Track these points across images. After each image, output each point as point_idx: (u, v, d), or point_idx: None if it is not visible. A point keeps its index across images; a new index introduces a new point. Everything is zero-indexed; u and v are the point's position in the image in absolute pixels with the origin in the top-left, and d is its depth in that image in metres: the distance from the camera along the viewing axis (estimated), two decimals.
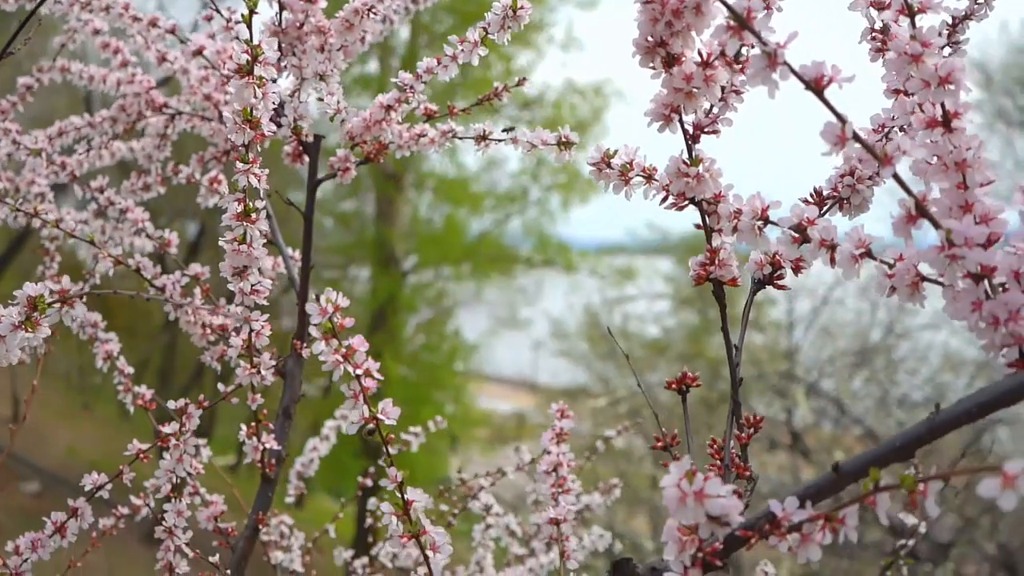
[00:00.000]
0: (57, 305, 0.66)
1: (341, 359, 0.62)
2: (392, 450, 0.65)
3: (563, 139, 0.82)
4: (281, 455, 0.99)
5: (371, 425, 0.63)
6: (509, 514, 1.40)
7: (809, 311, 7.65)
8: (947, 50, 0.72)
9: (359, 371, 0.62)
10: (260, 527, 0.98)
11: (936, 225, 0.51)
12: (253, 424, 0.96)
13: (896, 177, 0.51)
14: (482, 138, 0.95)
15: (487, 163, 12.19)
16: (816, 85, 0.50)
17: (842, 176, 0.68)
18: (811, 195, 0.69)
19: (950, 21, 0.72)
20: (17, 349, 0.69)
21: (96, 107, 1.44)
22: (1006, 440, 6.63)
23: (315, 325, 0.61)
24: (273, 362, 0.90)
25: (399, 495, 0.65)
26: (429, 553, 0.65)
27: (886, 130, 0.68)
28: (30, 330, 0.67)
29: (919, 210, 0.51)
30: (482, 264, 11.71)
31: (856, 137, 0.50)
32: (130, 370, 1.09)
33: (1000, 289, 0.52)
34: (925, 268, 0.55)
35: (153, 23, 1.09)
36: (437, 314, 11.81)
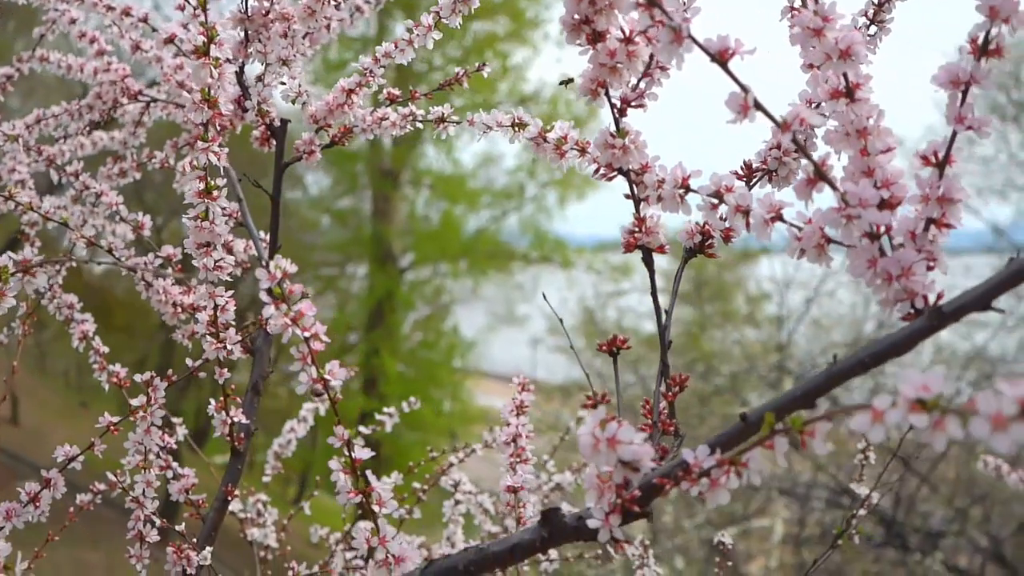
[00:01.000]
0: (20, 275, 0.70)
1: (290, 322, 0.65)
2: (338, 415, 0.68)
3: (516, 121, 0.85)
4: (250, 429, 1.03)
5: (319, 386, 0.67)
6: (484, 494, 1.43)
7: (802, 304, 7.69)
8: (872, 28, 0.75)
9: (308, 334, 0.65)
10: (229, 498, 1.01)
11: (834, 188, 0.54)
12: (222, 399, 0.99)
13: (796, 143, 0.54)
14: (440, 120, 0.98)
15: (483, 160, 12.23)
16: (721, 57, 0.54)
17: (770, 149, 0.72)
18: (741, 167, 0.72)
19: (876, 1, 0.75)
20: None
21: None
22: None
23: (264, 290, 0.64)
24: (239, 337, 0.94)
25: (347, 453, 0.68)
26: (376, 508, 0.68)
27: (812, 105, 0.72)
28: None
29: (818, 174, 0.55)
30: (479, 261, 11.75)
31: (757, 105, 0.53)
32: (105, 349, 1.12)
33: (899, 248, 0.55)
34: (831, 231, 0.58)
35: (126, 12, 1.12)
36: (434, 311, 11.84)
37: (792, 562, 6.04)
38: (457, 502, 1.34)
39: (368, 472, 0.68)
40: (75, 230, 1.02)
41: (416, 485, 1.35)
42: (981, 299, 0.50)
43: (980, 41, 0.55)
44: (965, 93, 0.55)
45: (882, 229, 0.54)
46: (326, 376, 0.66)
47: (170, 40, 1.05)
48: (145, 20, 1.13)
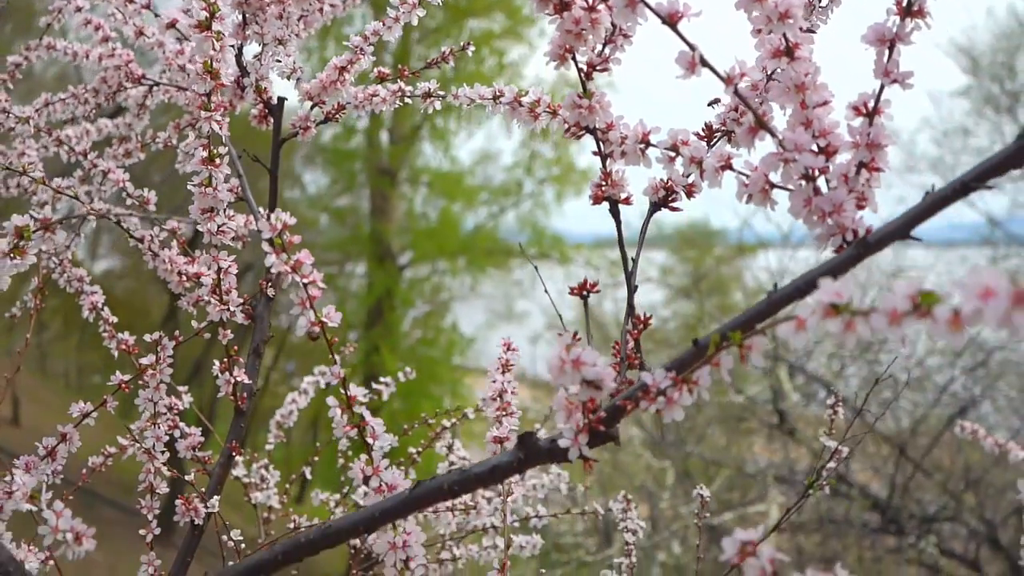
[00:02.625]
0: (41, 232, 0.76)
1: (289, 269, 0.71)
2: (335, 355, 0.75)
3: (496, 93, 0.91)
4: (252, 388, 1.09)
5: (316, 328, 0.73)
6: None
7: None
8: (824, 0, 0.82)
9: (306, 280, 0.72)
10: (234, 454, 1.08)
11: (773, 135, 0.61)
12: (225, 360, 1.05)
13: (738, 94, 0.61)
14: (428, 95, 1.04)
15: (481, 157, 12.29)
16: (671, 20, 0.60)
17: (728, 111, 0.78)
18: (702, 128, 0.78)
19: None
20: (8, 277, 0.79)
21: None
22: (989, 414, 6.73)
23: (266, 240, 0.71)
24: (240, 299, 1.00)
25: (343, 391, 0.75)
26: (370, 440, 0.74)
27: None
28: (17, 256, 0.77)
29: (759, 123, 0.61)
30: (477, 258, 11.81)
31: (703, 62, 0.60)
32: (114, 319, 1.19)
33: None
34: (775, 177, 0.65)
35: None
36: (433, 308, 11.90)
37: (788, 546, 6.11)
38: (451, 464, 1.40)
39: (364, 410, 0.75)
40: (85, 204, 1.08)
41: (412, 449, 1.41)
42: (901, 229, 0.57)
43: (904, 3, 0.61)
44: (891, 49, 0.61)
45: (816, 172, 0.61)
46: (323, 319, 0.73)
47: (172, 25, 1.12)
48: (147, 7, 1.20)
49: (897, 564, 6.28)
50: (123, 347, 1.16)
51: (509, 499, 1.21)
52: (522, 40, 11.41)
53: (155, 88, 1.29)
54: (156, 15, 1.17)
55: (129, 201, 1.16)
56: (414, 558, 0.73)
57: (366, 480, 0.74)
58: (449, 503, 1.23)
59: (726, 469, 6.74)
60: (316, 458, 1.54)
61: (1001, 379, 6.88)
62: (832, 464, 1.17)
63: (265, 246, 0.71)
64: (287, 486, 1.46)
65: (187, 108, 1.29)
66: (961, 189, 0.55)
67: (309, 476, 1.47)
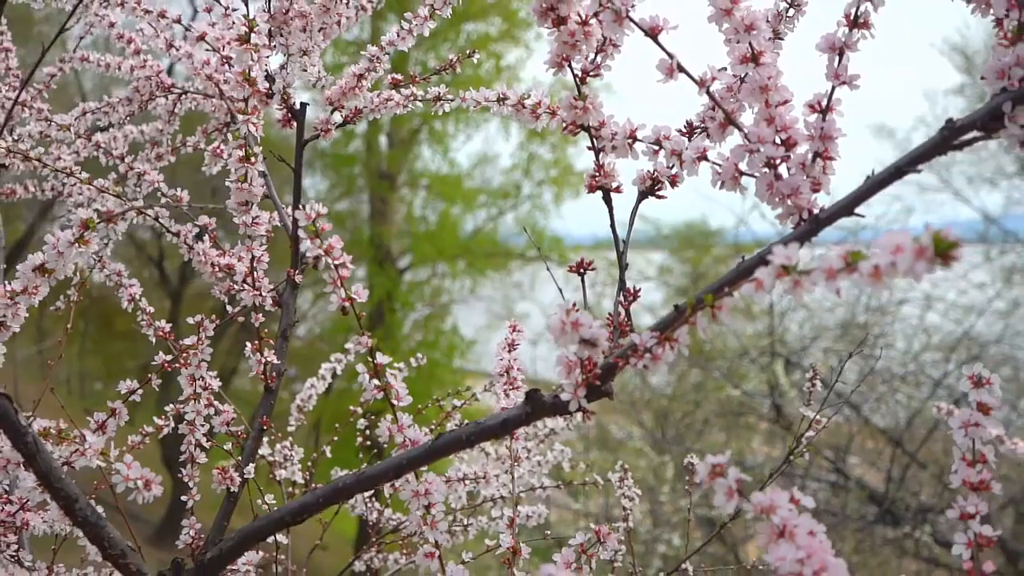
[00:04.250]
0: (104, 223, 0.87)
1: (323, 252, 0.82)
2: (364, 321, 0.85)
3: (500, 96, 1.02)
4: (280, 368, 1.19)
5: (347, 303, 0.84)
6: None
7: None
8: (791, 11, 0.92)
9: (337, 262, 0.82)
10: (264, 427, 1.18)
11: (740, 129, 0.71)
12: (257, 342, 1.16)
13: (710, 95, 0.72)
14: (438, 99, 1.15)
15: (479, 160, 12.40)
16: (652, 32, 0.71)
17: (705, 110, 0.88)
18: (684, 125, 0.89)
19: None
20: (71, 263, 0.89)
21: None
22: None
23: (302, 227, 0.81)
24: (271, 286, 1.11)
25: (371, 359, 0.85)
26: (394, 401, 0.85)
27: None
28: (82, 245, 0.87)
29: (728, 119, 0.72)
30: (477, 260, 11.91)
31: (680, 68, 0.70)
32: (151, 309, 1.29)
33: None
34: (743, 166, 0.75)
35: (162, 15, 1.29)
36: (434, 311, 12.00)
37: None
38: None
39: (388, 372, 0.85)
40: (127, 201, 1.18)
41: (424, 429, 1.51)
42: (847, 208, 0.67)
43: (852, 16, 0.72)
44: (841, 55, 0.72)
45: (778, 161, 0.71)
46: (352, 295, 0.83)
47: (201, 38, 1.23)
48: (178, 21, 1.30)
49: (895, 555, 6.38)
50: (160, 334, 1.27)
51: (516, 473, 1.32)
52: (519, 43, 11.53)
53: (183, 96, 1.40)
54: (187, 29, 1.28)
55: (163, 200, 1.27)
56: (435, 504, 0.84)
57: (391, 439, 0.84)
58: (462, 474, 1.33)
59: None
60: (336, 438, 1.65)
61: (994, 372, 6.97)
62: (811, 433, 1.28)
63: (301, 232, 0.82)
64: (309, 463, 1.57)
65: (213, 115, 1.40)
66: (896, 173, 0.65)
67: (329, 455, 1.57)
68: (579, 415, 0.77)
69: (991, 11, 0.67)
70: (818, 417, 1.28)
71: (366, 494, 1.55)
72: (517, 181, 12.20)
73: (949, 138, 0.65)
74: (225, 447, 1.13)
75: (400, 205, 12.18)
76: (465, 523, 1.47)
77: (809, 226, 0.68)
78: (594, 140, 0.83)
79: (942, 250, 0.48)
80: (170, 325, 1.27)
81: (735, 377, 7.11)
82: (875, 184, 0.66)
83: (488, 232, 12.14)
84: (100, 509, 0.91)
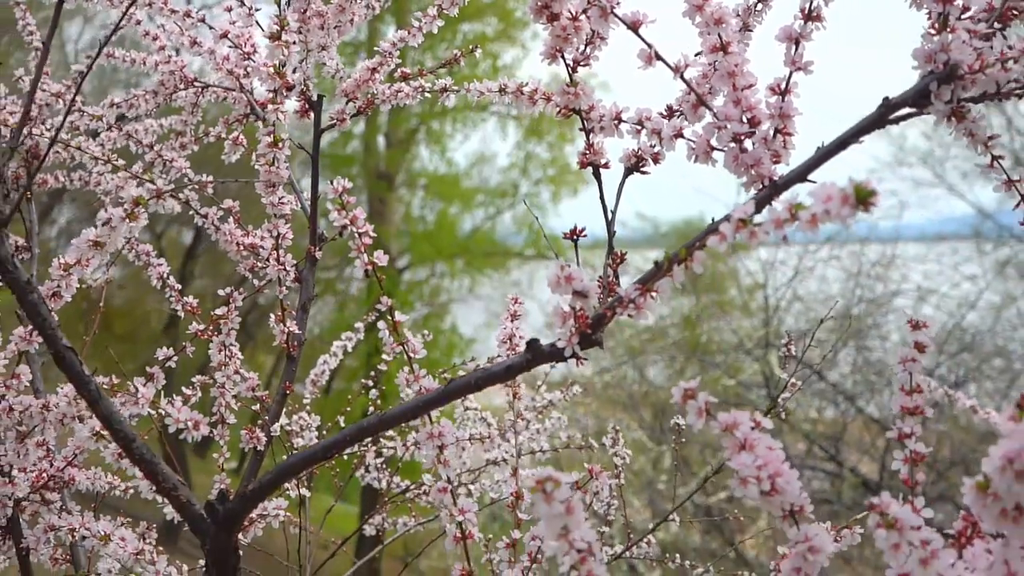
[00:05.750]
0: (154, 200, 0.98)
1: (348, 223, 0.93)
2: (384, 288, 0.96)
3: (502, 87, 1.13)
4: (301, 338, 1.30)
5: (369, 267, 0.95)
6: (487, 411, 1.72)
7: (789, 284, 8.02)
8: (760, 5, 1.03)
9: (361, 231, 0.94)
10: (287, 392, 1.29)
11: (710, 109, 0.83)
12: (280, 312, 1.27)
13: (684, 80, 0.83)
14: (444, 90, 1.26)
15: (477, 159, 12.50)
16: (634, 26, 0.82)
17: (683, 94, 0.99)
18: (665, 108, 1.00)
19: None
20: (122, 238, 1.00)
21: None
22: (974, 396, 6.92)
23: (330, 200, 0.92)
24: (295, 261, 1.22)
25: (391, 317, 0.96)
26: (411, 354, 0.96)
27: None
28: (132, 220, 0.98)
29: (699, 101, 0.83)
30: (475, 260, 12.02)
31: (657, 56, 0.82)
32: (178, 286, 1.40)
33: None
34: (714, 142, 0.86)
35: (187, 14, 1.40)
36: (433, 311, 12.10)
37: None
38: (465, 408, 1.62)
39: (406, 331, 0.96)
40: (159, 186, 1.29)
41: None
42: (800, 175, 0.79)
43: (807, 9, 0.83)
44: (797, 44, 0.83)
45: (743, 136, 0.83)
46: (375, 260, 0.95)
47: (224, 35, 1.34)
48: (203, 20, 1.41)
49: None
50: (188, 309, 1.38)
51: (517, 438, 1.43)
52: (515, 43, 11.64)
53: (205, 89, 1.51)
54: (211, 27, 1.39)
55: (189, 186, 1.38)
56: (447, 446, 0.95)
57: (408, 385, 0.95)
58: (468, 434, 1.44)
59: (722, 453, 6.95)
60: (348, 408, 1.75)
61: (985, 363, 7.12)
62: (787, 394, 1.39)
63: (329, 204, 0.93)
64: (324, 432, 1.68)
65: (233, 107, 1.51)
66: (841, 144, 0.77)
67: (343, 425, 1.68)
68: (575, 389, 0.88)
69: (924, 5, 0.78)
70: (793, 380, 1.39)
71: (378, 460, 1.66)
72: (515, 180, 12.31)
73: (885, 113, 0.76)
74: (253, 407, 1.24)
75: (398, 205, 12.28)
76: (470, 488, 1.58)
77: (768, 191, 0.79)
78: (584, 122, 0.94)
79: (862, 197, 0.59)
80: (196, 300, 1.38)
81: (731, 370, 7.24)
82: (824, 154, 0.78)
83: (486, 231, 12.25)
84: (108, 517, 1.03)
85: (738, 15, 0.97)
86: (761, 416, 0.73)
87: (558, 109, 0.94)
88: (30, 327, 1.08)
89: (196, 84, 1.52)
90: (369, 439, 1.71)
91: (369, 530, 1.68)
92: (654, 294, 0.81)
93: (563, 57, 0.91)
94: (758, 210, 0.81)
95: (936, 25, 0.76)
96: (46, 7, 1.52)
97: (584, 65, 0.92)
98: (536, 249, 11.99)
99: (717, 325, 8.85)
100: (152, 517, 1.63)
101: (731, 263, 10.93)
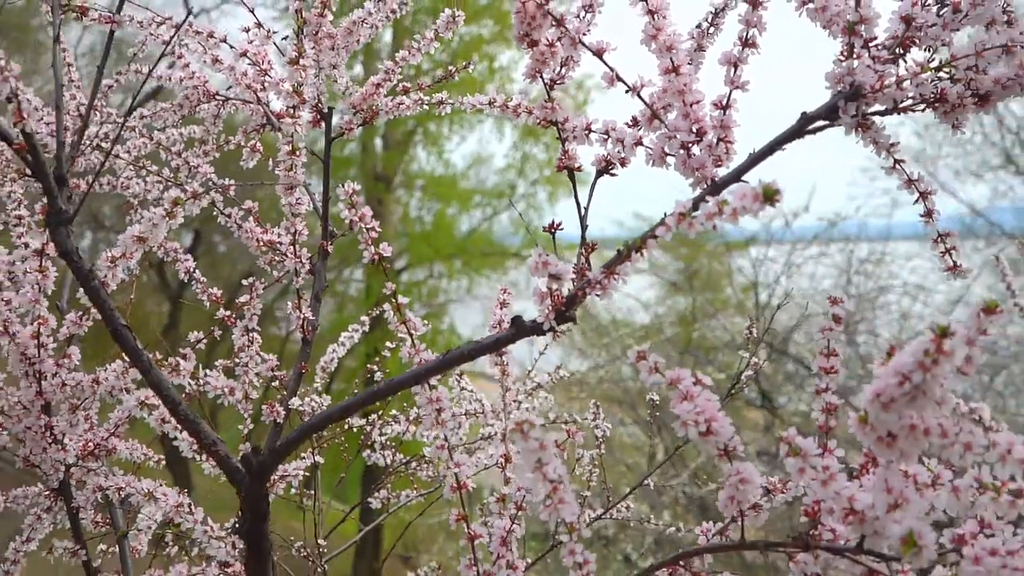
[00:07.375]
0: (191, 200, 1.14)
1: (357, 220, 1.09)
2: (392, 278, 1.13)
3: (492, 100, 1.29)
4: (315, 324, 1.47)
5: (376, 257, 1.11)
6: (483, 392, 1.88)
7: (781, 280, 8.19)
8: (712, 28, 1.20)
9: (368, 226, 1.10)
10: (303, 371, 1.45)
11: (662, 122, 0.99)
12: (296, 300, 1.43)
13: (640, 97, 0.99)
14: (441, 103, 1.42)
15: (474, 160, 12.65)
16: (598, 53, 0.98)
17: (643, 109, 1.16)
18: (631, 119, 1.16)
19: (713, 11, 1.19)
20: (162, 234, 1.16)
21: None
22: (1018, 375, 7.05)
23: (341, 200, 1.09)
24: (310, 254, 1.38)
25: (394, 300, 1.13)
26: (413, 331, 1.12)
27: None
28: (172, 219, 1.14)
29: (653, 115, 0.99)
30: (473, 260, 12.17)
31: (618, 77, 0.98)
32: (204, 279, 1.56)
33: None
34: (667, 149, 1.03)
35: (210, 35, 1.56)
36: (431, 311, 12.26)
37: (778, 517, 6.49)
38: (463, 388, 1.78)
39: (408, 312, 1.12)
40: (187, 187, 1.45)
41: None
42: (735, 177, 0.95)
43: (744, 38, 0.99)
44: (736, 67, 0.99)
45: (691, 144, 0.99)
46: (380, 251, 1.11)
47: (243, 54, 1.50)
48: (225, 40, 1.58)
49: None
50: (213, 298, 1.54)
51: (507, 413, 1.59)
52: (511, 45, 11.80)
53: (226, 102, 1.67)
54: (232, 47, 1.55)
55: (215, 189, 1.54)
56: (444, 409, 1.11)
57: (411, 358, 1.12)
58: (463, 409, 1.60)
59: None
60: (356, 391, 1.90)
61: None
62: (750, 372, 1.55)
63: (340, 204, 1.09)
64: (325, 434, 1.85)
65: (251, 117, 1.67)
66: (768, 151, 0.93)
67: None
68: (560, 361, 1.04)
69: (836, 36, 0.95)
70: (755, 360, 1.55)
71: (384, 437, 1.83)
72: (511, 181, 12.46)
73: (803, 124, 0.92)
74: (274, 384, 1.41)
75: (396, 206, 12.43)
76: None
77: (710, 190, 0.96)
78: (560, 132, 1.10)
79: (769, 195, 0.75)
80: (220, 291, 1.54)
81: (723, 365, 7.41)
82: (754, 159, 0.94)
83: (484, 232, 12.40)
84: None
85: (692, 37, 1.14)
86: (702, 374, 0.89)
87: (538, 120, 1.11)
88: (80, 312, 1.24)
89: (218, 97, 1.68)
90: (376, 416, 1.88)
91: (375, 503, 1.84)
92: (618, 276, 0.97)
93: (542, 77, 1.07)
94: (695, 207, 0.97)
95: (844, 52, 0.92)
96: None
97: (560, 84, 1.09)
98: (533, 249, 12.10)
99: (711, 323, 9.02)
100: None
101: (726, 262, 11.11)
